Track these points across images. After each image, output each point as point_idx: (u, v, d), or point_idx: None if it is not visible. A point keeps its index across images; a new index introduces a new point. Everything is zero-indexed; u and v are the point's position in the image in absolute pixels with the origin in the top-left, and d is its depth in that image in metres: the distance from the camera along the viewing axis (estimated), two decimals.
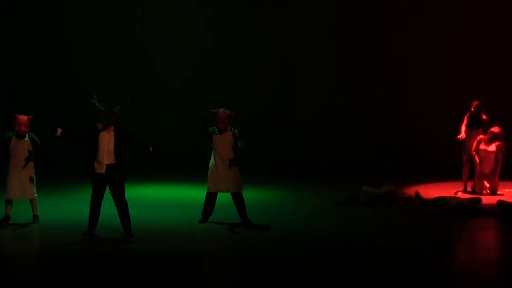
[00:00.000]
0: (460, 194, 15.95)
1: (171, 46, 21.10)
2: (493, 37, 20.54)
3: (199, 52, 21.00)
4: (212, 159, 13.14)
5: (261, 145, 20.06)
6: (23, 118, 12.96)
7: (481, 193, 15.98)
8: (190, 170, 18.00)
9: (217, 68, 21.09)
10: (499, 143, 16.08)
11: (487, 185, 16.23)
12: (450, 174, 17.80)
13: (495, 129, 16.13)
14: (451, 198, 14.71)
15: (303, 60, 20.99)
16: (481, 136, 16.26)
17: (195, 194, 15.52)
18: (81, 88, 19.99)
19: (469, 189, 16.41)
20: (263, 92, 20.91)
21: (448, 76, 20.74)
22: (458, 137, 16.55)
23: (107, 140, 11.90)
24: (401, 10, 20.85)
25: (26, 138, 12.98)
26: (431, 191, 15.98)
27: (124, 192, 12.09)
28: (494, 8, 20.61)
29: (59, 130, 11.92)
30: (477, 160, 16.19)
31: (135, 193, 15.22)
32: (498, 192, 16.15)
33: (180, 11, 21.14)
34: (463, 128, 16.59)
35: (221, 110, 13.09)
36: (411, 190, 16.05)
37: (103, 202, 12.11)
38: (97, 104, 11.90)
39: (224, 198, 13.54)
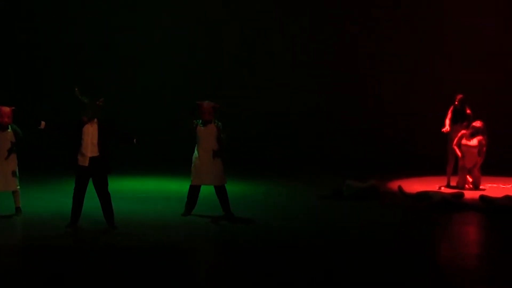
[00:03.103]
0: (443, 189, 16.00)
1: (155, 41, 21.05)
2: (478, 32, 20.61)
3: (179, 47, 20.95)
4: (196, 152, 13.13)
5: (247, 140, 20.06)
6: (6, 109, 12.91)
7: (463, 188, 16.04)
8: (174, 163, 17.98)
9: (202, 62, 21.04)
10: (481, 137, 16.13)
11: (470, 179, 16.29)
12: (433, 169, 17.85)
13: (477, 124, 16.20)
14: (434, 192, 14.75)
15: (292, 57, 20.96)
16: (463, 131, 16.32)
17: (180, 185, 15.49)
18: (68, 81, 19.90)
19: (452, 183, 16.47)
20: (250, 87, 20.89)
21: (432, 71, 20.79)
22: (442, 130, 16.63)
23: (91, 133, 11.89)
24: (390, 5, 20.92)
25: (9, 130, 12.92)
26: (415, 186, 16.03)
27: (107, 184, 12.08)
28: (480, 2, 20.68)
29: (43, 122, 11.89)
30: (459, 154, 16.25)
31: (118, 186, 15.19)
32: (481, 187, 16.21)
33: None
34: (447, 121, 16.65)
35: (206, 102, 13.09)
36: (394, 185, 16.07)
37: (86, 194, 12.11)
38: (80, 97, 11.88)
39: (207, 191, 13.53)
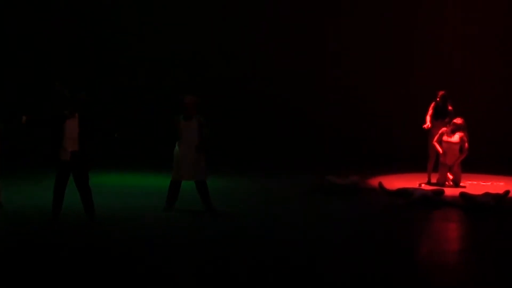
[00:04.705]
0: (423, 186, 16.05)
1: (141, 38, 20.96)
2: (459, 29, 20.70)
3: (166, 42, 20.88)
4: (177, 147, 13.12)
5: (230, 135, 20.05)
6: None
7: (444, 185, 16.10)
8: (156, 158, 17.96)
9: (188, 58, 20.96)
10: (462, 134, 16.19)
11: (450, 176, 16.34)
12: (414, 166, 17.90)
13: (458, 120, 16.25)
14: (414, 189, 14.80)
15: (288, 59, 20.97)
16: (444, 128, 16.36)
17: (161, 181, 15.46)
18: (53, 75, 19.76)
19: (433, 180, 16.52)
20: (232, 82, 20.85)
21: (414, 67, 20.83)
22: (423, 126, 16.65)
23: (72, 128, 11.86)
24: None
25: None
26: (395, 182, 16.06)
27: (88, 179, 12.07)
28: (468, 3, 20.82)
29: (24, 117, 11.86)
30: (440, 150, 16.29)
31: (99, 180, 15.14)
32: (461, 184, 16.27)
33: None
34: (428, 118, 16.68)
35: (188, 96, 13.09)
36: (375, 181, 16.11)
37: (68, 188, 12.08)
38: (61, 91, 11.84)
39: (189, 186, 13.50)
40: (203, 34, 20.80)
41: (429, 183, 16.47)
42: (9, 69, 20.67)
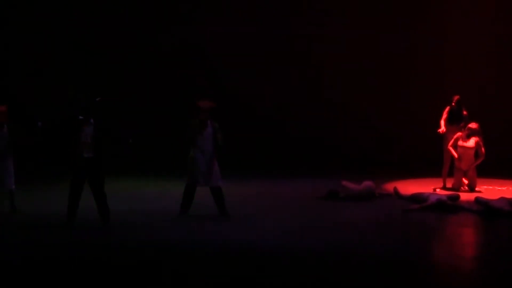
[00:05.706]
0: (438, 191, 15.99)
1: (148, 41, 20.96)
2: (474, 32, 20.63)
3: (175, 46, 20.87)
4: (192, 152, 13.12)
5: (242, 139, 20.03)
6: (1, 108, 12.89)
7: (459, 189, 16.03)
8: (170, 163, 17.97)
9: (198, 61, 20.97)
10: (478, 138, 16.12)
11: (465, 181, 16.27)
12: (429, 170, 17.84)
13: (473, 125, 16.19)
14: (429, 194, 14.75)
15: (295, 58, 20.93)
16: (459, 133, 16.29)
17: (173, 186, 15.46)
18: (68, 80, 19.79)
19: (448, 185, 16.46)
20: (239, 85, 20.84)
21: (429, 71, 20.77)
22: (438, 131, 16.59)
23: (87, 133, 11.90)
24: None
25: (5, 129, 12.91)
26: (410, 187, 16.02)
27: (103, 184, 12.11)
28: (470, 6, 20.69)
29: (39, 123, 11.91)
30: (455, 155, 16.22)
31: (114, 185, 15.13)
32: (476, 188, 16.20)
33: None
34: (443, 122, 16.62)
35: (203, 101, 13.10)
36: (390, 186, 16.07)
37: (85, 193, 12.10)
38: (75, 97, 11.89)
39: (204, 190, 13.49)
40: (208, 36, 20.81)
41: (444, 188, 16.40)
42: (23, 75, 20.73)
